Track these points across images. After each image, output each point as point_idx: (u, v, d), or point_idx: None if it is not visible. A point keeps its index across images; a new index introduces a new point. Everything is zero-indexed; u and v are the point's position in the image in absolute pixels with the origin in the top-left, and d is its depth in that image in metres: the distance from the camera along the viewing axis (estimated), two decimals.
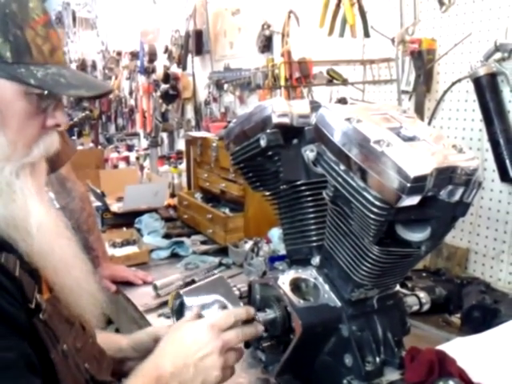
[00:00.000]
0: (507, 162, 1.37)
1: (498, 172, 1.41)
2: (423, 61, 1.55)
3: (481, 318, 1.22)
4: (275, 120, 0.97)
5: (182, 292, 0.91)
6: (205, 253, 1.92)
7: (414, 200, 0.70)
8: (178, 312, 0.92)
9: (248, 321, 0.86)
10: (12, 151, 0.68)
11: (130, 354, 0.99)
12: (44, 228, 0.74)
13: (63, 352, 0.74)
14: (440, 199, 0.74)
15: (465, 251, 1.56)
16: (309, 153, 0.90)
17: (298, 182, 1.01)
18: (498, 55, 1.40)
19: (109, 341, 0.98)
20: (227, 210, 2.09)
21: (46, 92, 0.70)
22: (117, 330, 1.77)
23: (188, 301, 0.89)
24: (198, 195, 2.33)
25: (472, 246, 1.55)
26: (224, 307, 0.87)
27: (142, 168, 3.37)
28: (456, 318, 1.31)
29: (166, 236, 2.09)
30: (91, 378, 0.80)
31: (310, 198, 1.00)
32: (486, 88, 1.41)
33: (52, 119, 0.73)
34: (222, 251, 1.91)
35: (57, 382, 0.70)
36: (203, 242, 2.04)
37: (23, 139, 0.70)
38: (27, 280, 0.70)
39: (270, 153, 1.01)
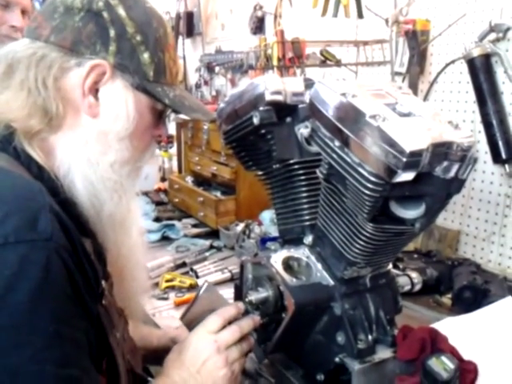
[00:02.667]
0: (500, 143, 1.37)
1: (490, 153, 1.41)
2: (417, 41, 1.54)
3: (471, 298, 1.23)
4: (268, 97, 0.96)
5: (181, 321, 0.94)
6: (196, 236, 1.91)
7: (409, 175, 0.69)
8: None
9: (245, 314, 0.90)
10: (131, 156, 0.75)
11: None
12: (138, 224, 0.83)
13: (117, 339, 0.76)
14: (435, 176, 0.73)
15: (456, 233, 1.56)
16: (303, 129, 0.89)
17: (291, 161, 0.99)
18: (492, 36, 1.39)
19: (143, 339, 1.02)
20: (218, 193, 2.08)
21: (170, 110, 0.79)
22: None
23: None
24: (189, 179, 2.32)
25: (463, 227, 1.56)
26: None
27: None
28: (446, 299, 1.32)
29: (157, 219, 2.08)
30: (131, 369, 0.83)
31: (303, 177, 0.99)
32: (480, 69, 1.40)
33: (158, 130, 0.81)
34: (213, 234, 1.90)
35: (115, 365, 0.73)
36: (194, 226, 2.03)
37: (141, 146, 0.77)
38: (98, 266, 0.72)
39: (262, 131, 0.99)
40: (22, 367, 0.54)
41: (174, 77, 0.78)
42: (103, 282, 0.74)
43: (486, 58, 1.40)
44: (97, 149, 0.71)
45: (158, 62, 0.74)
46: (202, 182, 2.25)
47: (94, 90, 0.71)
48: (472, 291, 1.24)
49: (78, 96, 0.70)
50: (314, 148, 0.93)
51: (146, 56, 0.73)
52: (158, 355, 0.98)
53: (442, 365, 0.76)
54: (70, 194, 0.69)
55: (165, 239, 1.90)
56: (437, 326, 0.98)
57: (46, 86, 0.68)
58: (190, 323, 0.93)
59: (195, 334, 0.86)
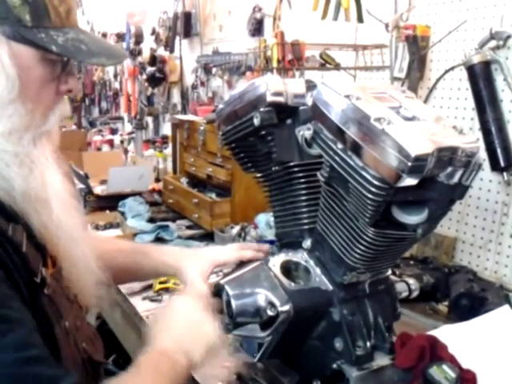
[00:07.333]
0: (498, 150, 1.36)
1: (488, 161, 1.40)
2: (418, 46, 1.54)
3: (468, 306, 1.22)
4: (269, 98, 0.94)
5: (223, 282, 0.89)
6: (190, 237, 1.89)
7: (413, 180, 0.68)
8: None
9: None
10: (30, 120, 0.66)
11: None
12: (60, 197, 0.72)
13: (65, 328, 0.73)
14: (439, 181, 0.73)
15: (452, 240, 1.56)
16: (305, 131, 0.88)
17: (291, 164, 0.98)
18: (492, 43, 1.39)
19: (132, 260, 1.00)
20: (214, 195, 2.06)
21: (65, 59, 0.68)
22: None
23: (231, 291, 0.88)
24: (184, 180, 2.30)
25: (460, 235, 1.55)
26: (269, 302, 0.85)
27: (126, 151, 3.31)
28: (443, 306, 1.31)
29: (151, 220, 2.06)
30: (88, 357, 0.80)
31: (302, 180, 0.98)
32: (480, 76, 1.40)
33: (65, 85, 0.70)
34: (208, 236, 1.88)
35: (58, 358, 0.69)
36: (188, 227, 2.01)
37: (40, 107, 0.68)
38: (33, 253, 0.68)
39: (263, 132, 0.98)
40: None
41: (63, 17, 0.66)
42: (43, 270, 0.69)
43: (486, 65, 1.40)
44: None
45: (34, 2, 0.62)
46: (197, 183, 2.23)
47: None
48: (469, 299, 1.23)
49: None
50: (315, 150, 0.92)
51: None
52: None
53: (443, 373, 0.74)
54: None
55: (158, 240, 1.87)
56: (434, 333, 0.97)
57: None
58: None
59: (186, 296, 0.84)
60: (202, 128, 2.07)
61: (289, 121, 0.98)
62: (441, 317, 1.27)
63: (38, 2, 0.63)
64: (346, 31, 1.85)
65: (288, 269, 0.94)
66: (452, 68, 1.53)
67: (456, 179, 0.73)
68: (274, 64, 1.70)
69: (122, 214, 2.09)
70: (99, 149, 3.50)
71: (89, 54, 0.68)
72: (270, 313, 0.85)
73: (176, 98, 3.49)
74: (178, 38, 3.22)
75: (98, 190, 2.31)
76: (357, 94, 0.75)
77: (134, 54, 3.86)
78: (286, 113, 0.97)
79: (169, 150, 2.86)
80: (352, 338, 0.87)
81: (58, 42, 0.64)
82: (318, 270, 0.92)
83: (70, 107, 4.82)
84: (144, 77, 3.64)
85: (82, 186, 2.32)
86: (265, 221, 1.74)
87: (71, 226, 0.75)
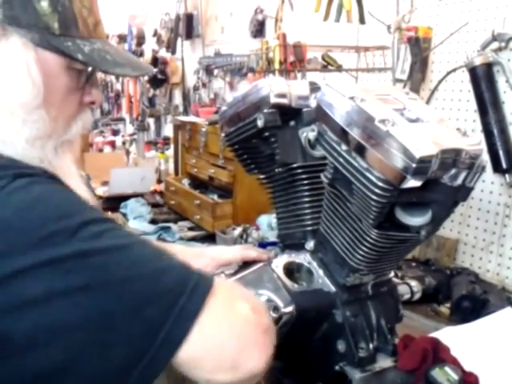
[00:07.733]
0: (500, 152, 1.36)
1: (490, 163, 1.40)
2: (420, 48, 1.54)
3: (470, 308, 1.22)
4: (273, 100, 0.94)
5: None
6: (192, 239, 1.90)
7: (417, 182, 0.68)
8: None
9: None
10: (53, 128, 0.66)
11: None
12: None
13: None
14: (442, 183, 0.72)
15: (454, 242, 1.56)
16: (309, 133, 0.88)
17: (294, 165, 0.98)
18: (494, 45, 1.39)
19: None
20: (215, 197, 2.07)
21: (90, 68, 0.68)
22: None
23: None
24: (186, 181, 2.30)
25: (462, 236, 1.55)
26: (272, 303, 0.84)
27: (128, 153, 3.31)
28: (445, 308, 1.31)
29: (152, 221, 2.06)
30: None
31: (305, 182, 0.98)
32: (482, 78, 1.40)
33: (88, 96, 0.71)
34: (210, 238, 1.89)
35: None
36: (190, 229, 2.02)
37: (63, 116, 0.67)
38: None
39: (266, 134, 0.98)
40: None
41: (90, 28, 0.67)
42: None
43: (488, 67, 1.40)
44: (5, 126, 0.61)
45: (64, 11, 0.63)
46: (199, 184, 2.24)
47: None
48: (471, 301, 1.23)
49: None
50: (318, 152, 0.93)
51: (43, 4, 0.61)
52: None
53: (445, 376, 0.74)
54: None
55: (160, 241, 1.88)
56: (436, 335, 0.97)
57: None
58: None
59: None
60: (203, 129, 2.07)
61: (292, 122, 0.98)
62: (443, 319, 1.27)
63: (68, 12, 0.64)
64: (348, 33, 1.86)
65: (291, 270, 0.94)
66: (454, 70, 1.53)
67: (460, 181, 0.73)
68: (276, 66, 1.70)
69: (124, 215, 2.10)
70: (101, 150, 3.51)
71: (114, 64, 0.68)
72: (272, 314, 0.85)
73: (178, 99, 3.49)
74: (179, 40, 3.22)
75: (100, 191, 2.31)
76: (361, 96, 0.75)
77: (136, 55, 3.87)
78: (289, 114, 0.97)
79: (170, 152, 2.87)
80: (354, 339, 0.87)
81: (83, 51, 0.65)
82: (320, 272, 0.92)
83: None
84: (146, 78, 3.64)
85: None
86: (267, 222, 1.74)
87: None
